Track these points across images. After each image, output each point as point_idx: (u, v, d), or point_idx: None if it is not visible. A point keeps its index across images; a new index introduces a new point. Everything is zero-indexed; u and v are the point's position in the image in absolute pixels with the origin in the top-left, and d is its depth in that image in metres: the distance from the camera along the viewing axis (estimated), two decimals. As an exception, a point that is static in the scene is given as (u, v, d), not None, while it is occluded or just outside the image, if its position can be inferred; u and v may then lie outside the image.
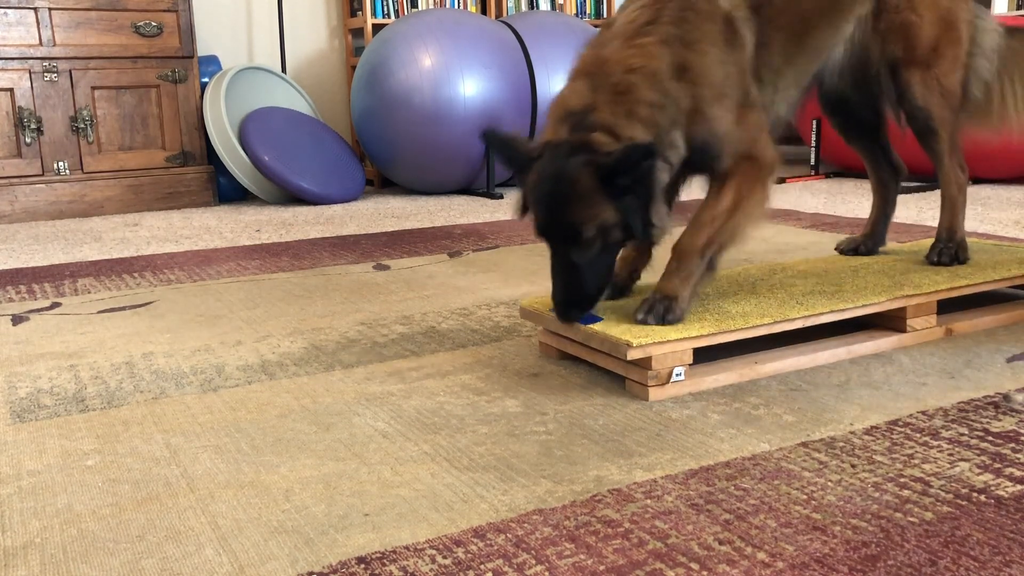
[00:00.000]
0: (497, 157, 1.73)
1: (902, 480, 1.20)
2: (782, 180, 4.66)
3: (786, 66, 1.82)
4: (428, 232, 3.43)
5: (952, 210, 2.07)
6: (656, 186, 1.57)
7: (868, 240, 2.23)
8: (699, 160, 1.68)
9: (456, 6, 5.21)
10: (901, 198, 3.93)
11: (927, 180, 4.13)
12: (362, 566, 1.03)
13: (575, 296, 1.60)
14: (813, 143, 4.82)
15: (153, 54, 4.28)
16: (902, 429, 1.37)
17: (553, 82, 4.45)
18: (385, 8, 5.01)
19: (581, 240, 1.55)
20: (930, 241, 2.19)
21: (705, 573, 0.99)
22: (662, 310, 1.63)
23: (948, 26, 1.99)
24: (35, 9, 4.04)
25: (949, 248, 2.03)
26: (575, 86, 1.62)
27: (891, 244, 2.32)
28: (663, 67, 1.58)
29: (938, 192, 2.16)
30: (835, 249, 2.27)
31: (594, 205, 1.54)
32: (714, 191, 1.69)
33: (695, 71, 1.61)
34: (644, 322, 1.62)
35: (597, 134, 1.54)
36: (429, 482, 1.25)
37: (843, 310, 1.73)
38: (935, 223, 3.19)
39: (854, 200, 3.98)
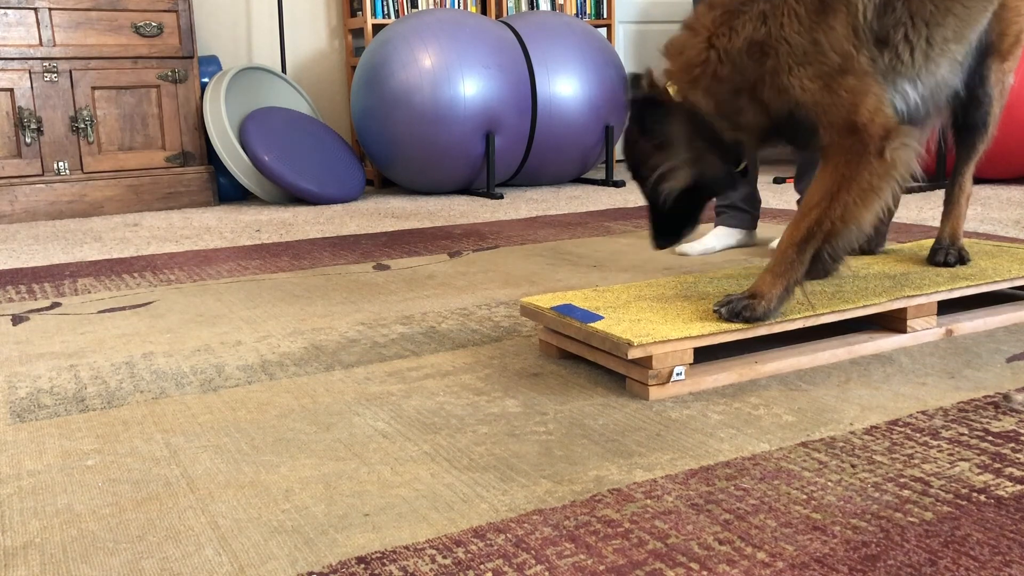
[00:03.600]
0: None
1: (902, 480, 1.20)
2: (781, 180, 4.66)
3: (942, 14, 1.65)
4: (428, 232, 3.43)
5: (958, 218, 2.06)
6: (664, 132, 1.75)
7: (870, 240, 2.17)
8: (794, 132, 1.67)
9: (456, 6, 5.20)
10: (902, 198, 3.93)
11: (928, 180, 4.13)
12: (362, 566, 1.03)
13: (660, 228, 1.87)
14: (813, 143, 4.81)
15: (153, 54, 4.28)
16: (902, 429, 1.37)
17: (553, 82, 4.45)
18: (385, 8, 5.01)
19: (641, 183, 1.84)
20: (930, 241, 2.19)
21: (705, 573, 0.99)
22: (740, 307, 1.63)
23: (1023, 21, 1.91)
24: (35, 9, 4.04)
25: (953, 251, 2.02)
26: (679, 39, 1.77)
27: (891, 244, 2.32)
28: (739, 46, 1.65)
29: (937, 193, 2.13)
30: None
31: (639, 151, 1.81)
32: (817, 176, 1.65)
33: (772, 44, 1.62)
34: (717, 313, 1.64)
35: (660, 86, 1.76)
36: (429, 482, 1.25)
37: (843, 310, 1.73)
38: (935, 223, 3.19)
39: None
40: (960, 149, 2.01)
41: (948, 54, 1.68)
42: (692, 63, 1.70)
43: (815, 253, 1.64)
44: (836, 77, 1.60)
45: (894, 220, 3.32)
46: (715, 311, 1.65)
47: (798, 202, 2.48)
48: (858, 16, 1.60)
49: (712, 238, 2.84)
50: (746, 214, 2.87)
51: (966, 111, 1.95)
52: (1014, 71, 1.96)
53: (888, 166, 1.60)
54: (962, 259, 2.01)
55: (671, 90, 1.73)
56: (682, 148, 1.75)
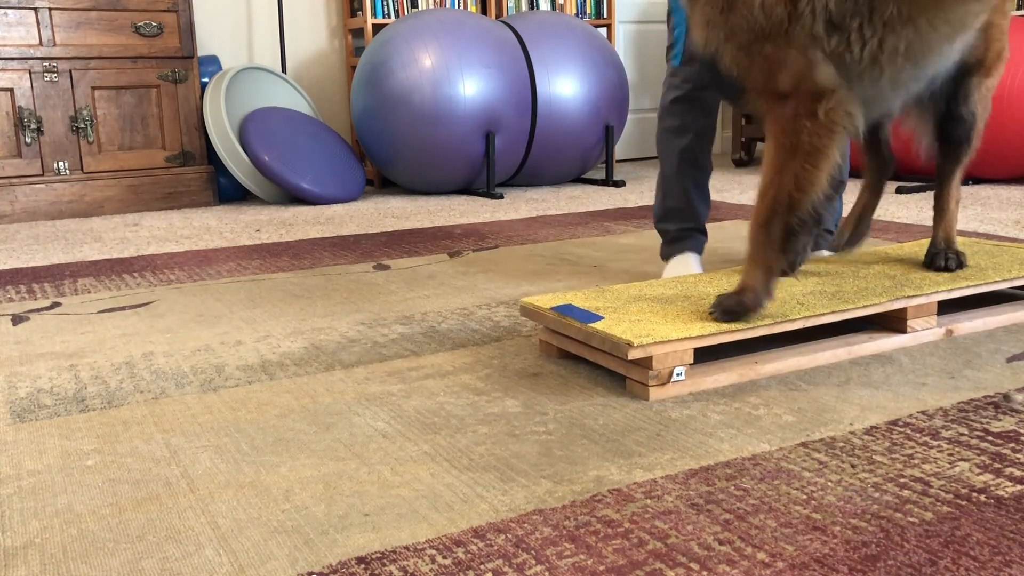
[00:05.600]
0: None
1: (902, 480, 1.20)
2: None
3: (902, 22, 1.57)
4: (428, 232, 3.43)
5: (950, 222, 2.05)
6: None
7: (856, 232, 2.13)
8: (717, 77, 1.64)
9: (456, 6, 5.20)
10: (902, 198, 3.93)
11: (927, 180, 4.13)
12: (362, 566, 1.03)
13: None
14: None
15: (153, 54, 4.28)
16: (902, 429, 1.37)
17: (553, 82, 4.45)
18: (385, 8, 5.01)
19: None
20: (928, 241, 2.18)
21: (705, 573, 0.99)
22: (729, 304, 1.63)
23: (1006, 38, 1.92)
24: (35, 9, 4.04)
25: (952, 254, 2.00)
26: None
27: (891, 244, 2.31)
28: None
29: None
30: (830, 249, 2.20)
31: None
32: (764, 153, 1.63)
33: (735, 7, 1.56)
34: (713, 315, 1.63)
35: None
36: (429, 482, 1.25)
37: (844, 311, 1.73)
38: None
39: (851, 200, 3.97)
40: (945, 162, 2.01)
41: (896, 68, 1.61)
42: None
43: (786, 229, 1.62)
44: (756, 40, 1.55)
45: (894, 220, 3.32)
46: (711, 314, 1.65)
47: None
48: None
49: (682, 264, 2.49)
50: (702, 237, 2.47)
51: (949, 128, 1.95)
52: (995, 87, 1.97)
53: (823, 125, 1.57)
54: (960, 263, 1.99)
55: None
56: None
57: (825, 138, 1.57)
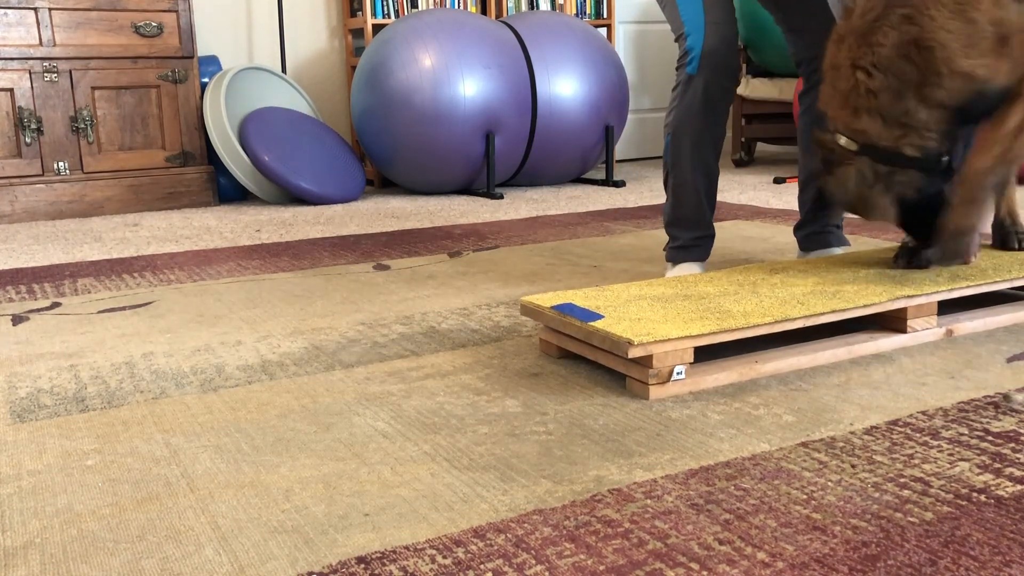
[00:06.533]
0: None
1: (902, 480, 1.20)
2: (782, 180, 4.66)
3: None
4: (428, 232, 3.43)
5: (1011, 195, 2.10)
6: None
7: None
8: (978, 110, 1.72)
9: (456, 6, 5.20)
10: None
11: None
12: (362, 566, 1.03)
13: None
14: (813, 143, 4.80)
15: (153, 54, 4.28)
16: (902, 429, 1.37)
17: (553, 82, 4.45)
18: (385, 8, 5.01)
19: None
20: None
21: (705, 573, 0.99)
22: (952, 248, 1.78)
23: None
24: (35, 9, 4.04)
25: (1021, 232, 2.08)
26: (824, 89, 1.87)
27: (892, 244, 2.31)
28: (888, 53, 1.70)
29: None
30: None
31: None
32: (999, 113, 1.72)
33: (928, 38, 1.67)
34: (939, 261, 1.84)
35: (829, 137, 1.84)
36: (429, 482, 1.25)
37: (844, 310, 1.73)
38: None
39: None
40: None
41: None
42: (844, 93, 1.78)
43: (1004, 179, 1.78)
44: (1004, 45, 1.67)
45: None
46: (926, 259, 1.88)
47: (801, 207, 2.47)
48: None
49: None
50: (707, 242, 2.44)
51: None
52: None
53: None
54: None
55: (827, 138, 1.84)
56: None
57: None
